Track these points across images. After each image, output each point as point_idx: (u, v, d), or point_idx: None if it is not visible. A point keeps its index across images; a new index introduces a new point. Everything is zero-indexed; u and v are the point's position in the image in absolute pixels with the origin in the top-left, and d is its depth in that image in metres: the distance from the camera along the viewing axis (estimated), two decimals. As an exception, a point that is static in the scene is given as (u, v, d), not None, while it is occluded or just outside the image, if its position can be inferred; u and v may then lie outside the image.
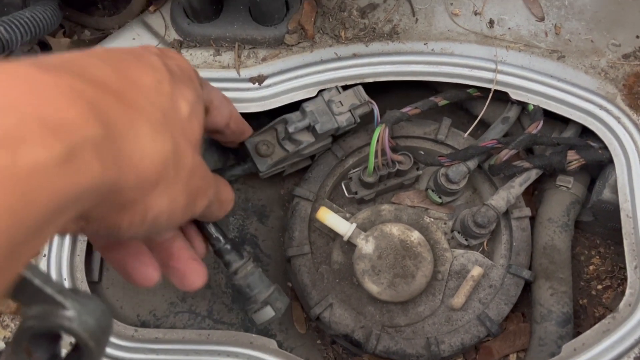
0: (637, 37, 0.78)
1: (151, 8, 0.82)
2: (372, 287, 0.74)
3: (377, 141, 0.73)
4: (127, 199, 0.34)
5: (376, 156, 0.74)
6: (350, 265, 0.78)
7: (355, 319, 0.76)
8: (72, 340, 0.33)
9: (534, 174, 0.77)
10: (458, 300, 0.77)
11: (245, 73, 0.77)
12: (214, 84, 0.76)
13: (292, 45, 0.78)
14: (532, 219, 0.82)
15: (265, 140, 0.71)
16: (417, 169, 0.80)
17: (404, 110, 0.76)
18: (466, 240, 0.80)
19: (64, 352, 0.34)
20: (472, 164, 0.77)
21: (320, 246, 0.81)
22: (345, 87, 0.74)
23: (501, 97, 0.78)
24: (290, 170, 0.79)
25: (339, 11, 0.79)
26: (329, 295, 0.76)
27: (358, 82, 0.76)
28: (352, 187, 0.81)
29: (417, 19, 0.80)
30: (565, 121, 0.80)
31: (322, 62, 0.77)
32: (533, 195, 0.87)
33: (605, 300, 0.83)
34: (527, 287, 0.80)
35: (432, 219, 0.81)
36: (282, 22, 0.78)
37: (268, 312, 0.58)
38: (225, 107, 0.56)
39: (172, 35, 0.80)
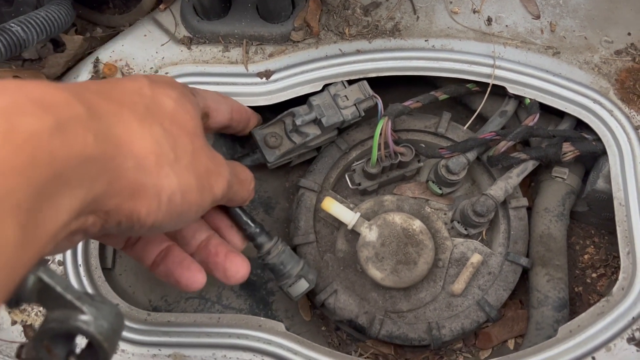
0: (629, 34, 0.82)
1: (161, 6, 0.85)
2: (376, 273, 0.77)
3: (380, 133, 0.76)
4: (134, 182, 0.36)
5: (379, 148, 0.77)
6: (354, 254, 0.81)
7: (359, 305, 0.79)
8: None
9: (530, 165, 0.80)
10: (458, 286, 0.80)
11: (253, 68, 0.80)
12: (223, 79, 0.80)
13: (298, 42, 0.81)
14: (529, 209, 0.85)
15: (274, 132, 0.74)
16: (419, 161, 0.83)
17: (406, 103, 0.79)
18: (465, 229, 0.83)
19: (78, 350, 0.38)
20: (471, 155, 0.80)
21: (325, 235, 0.84)
22: (350, 82, 0.77)
23: (499, 92, 0.82)
24: (297, 161, 0.82)
25: (343, 9, 0.82)
26: (334, 282, 0.79)
27: (362, 77, 0.79)
28: (355, 178, 0.84)
29: (418, 17, 0.83)
30: (560, 115, 0.84)
31: (327, 57, 0.81)
32: (529, 186, 0.90)
33: (600, 288, 0.87)
34: (525, 274, 0.83)
35: (432, 210, 0.84)
36: (289, 20, 0.81)
37: (303, 285, 0.63)
38: (224, 105, 0.58)
39: (182, 32, 0.83)
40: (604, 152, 0.78)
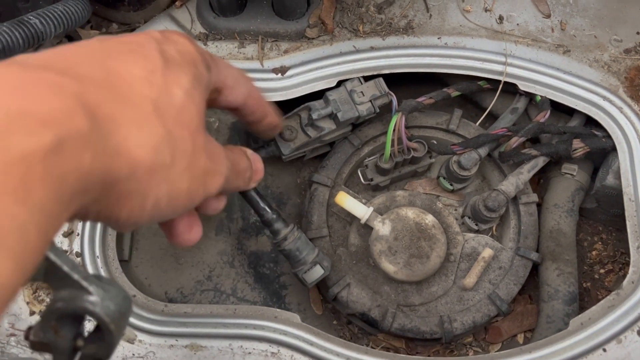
0: (638, 33, 0.83)
1: (177, 3, 0.86)
2: (389, 266, 0.78)
3: (394, 129, 0.78)
4: (124, 189, 0.35)
5: (392, 144, 0.78)
6: (367, 248, 0.82)
7: (372, 298, 0.80)
8: (95, 322, 0.36)
9: (541, 161, 0.82)
10: (470, 280, 0.81)
11: (268, 64, 0.81)
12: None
13: (313, 39, 0.83)
14: (539, 205, 0.86)
15: (289, 125, 0.75)
16: (430, 157, 0.84)
17: (419, 99, 0.80)
18: (476, 224, 0.84)
19: (86, 333, 0.38)
20: (483, 151, 0.81)
21: (338, 230, 0.85)
22: (366, 79, 0.79)
23: (509, 89, 0.83)
24: (311, 155, 0.83)
25: (357, 7, 0.84)
26: (347, 275, 0.80)
27: (375, 73, 0.81)
28: (368, 174, 0.85)
29: (430, 15, 0.84)
30: (569, 113, 0.85)
31: (341, 54, 0.82)
32: (538, 183, 0.92)
33: (608, 284, 0.88)
34: (534, 269, 0.84)
35: (443, 205, 0.85)
36: (303, 17, 0.82)
37: (318, 271, 0.64)
38: (242, 85, 0.53)
39: (198, 28, 0.84)
40: (613, 149, 0.79)
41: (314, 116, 0.75)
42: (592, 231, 0.91)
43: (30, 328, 0.36)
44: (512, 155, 0.81)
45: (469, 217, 0.84)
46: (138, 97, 0.37)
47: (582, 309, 0.84)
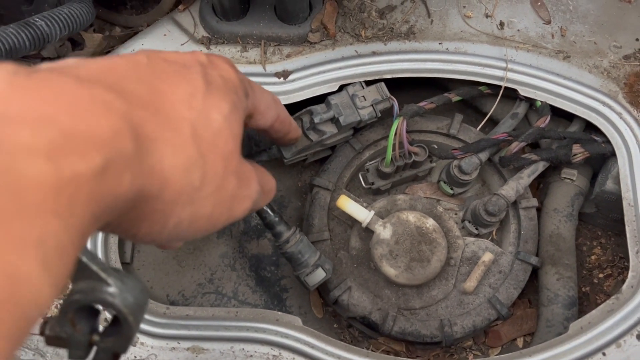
0: (637, 39, 0.84)
1: (181, 7, 0.87)
2: (390, 270, 0.79)
3: (396, 133, 0.78)
4: (149, 208, 0.35)
5: (394, 148, 0.79)
6: (368, 251, 0.82)
7: (373, 302, 0.80)
8: (109, 317, 0.35)
9: (541, 166, 0.82)
10: (470, 284, 0.81)
11: (271, 68, 0.82)
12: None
13: (315, 43, 0.83)
14: (538, 210, 0.87)
15: (292, 129, 0.76)
16: (431, 161, 0.85)
17: (421, 104, 0.81)
18: (476, 229, 0.85)
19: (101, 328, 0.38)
20: (483, 155, 0.82)
21: (339, 233, 0.86)
22: (368, 83, 0.79)
23: (510, 95, 0.84)
24: (312, 158, 0.84)
25: (359, 12, 0.84)
26: (348, 279, 0.81)
27: (377, 78, 0.81)
28: (369, 178, 0.85)
29: (432, 20, 0.85)
30: (568, 118, 0.86)
31: (343, 59, 0.82)
32: (538, 188, 0.92)
33: (607, 288, 0.88)
34: (534, 273, 0.84)
35: (444, 209, 0.86)
36: (306, 22, 0.83)
37: (320, 274, 0.64)
38: (272, 110, 0.55)
39: (201, 32, 0.85)
40: (612, 154, 0.80)
41: (316, 120, 0.75)
42: (592, 236, 0.91)
43: (45, 323, 0.36)
44: (512, 160, 0.82)
45: (469, 221, 0.85)
46: (178, 118, 0.37)
47: (581, 313, 0.84)
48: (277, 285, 0.86)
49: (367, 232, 0.83)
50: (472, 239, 0.84)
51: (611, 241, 0.91)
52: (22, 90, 0.27)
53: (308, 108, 0.76)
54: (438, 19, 0.85)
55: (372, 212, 0.80)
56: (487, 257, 0.82)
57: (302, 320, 0.83)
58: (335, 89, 0.81)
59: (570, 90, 0.81)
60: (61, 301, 0.72)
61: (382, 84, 0.79)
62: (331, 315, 0.89)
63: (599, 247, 0.91)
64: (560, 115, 0.85)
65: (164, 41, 0.84)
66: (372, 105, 0.77)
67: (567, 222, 0.84)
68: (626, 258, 0.77)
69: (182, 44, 0.83)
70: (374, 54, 0.83)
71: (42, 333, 0.36)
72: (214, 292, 0.81)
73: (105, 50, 0.87)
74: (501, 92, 0.82)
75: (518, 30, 0.85)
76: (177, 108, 0.38)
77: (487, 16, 0.85)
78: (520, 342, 0.86)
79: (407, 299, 0.82)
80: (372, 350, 0.84)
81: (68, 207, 0.26)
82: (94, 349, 0.36)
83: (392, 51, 0.83)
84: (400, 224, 0.80)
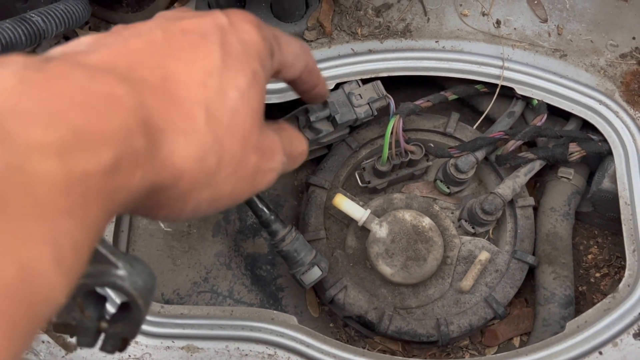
0: (634, 38, 0.84)
1: (177, 4, 0.86)
2: (386, 269, 0.78)
3: (392, 132, 0.78)
4: (164, 196, 0.35)
5: (390, 146, 0.79)
6: (364, 250, 0.82)
7: (369, 301, 0.80)
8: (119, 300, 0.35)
9: (537, 165, 0.82)
10: (467, 282, 0.81)
11: (267, 66, 0.81)
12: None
13: (311, 41, 0.83)
14: (535, 209, 0.86)
15: (288, 127, 0.75)
16: (427, 160, 0.85)
17: (417, 102, 0.81)
18: (473, 228, 0.84)
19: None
20: (480, 154, 0.82)
21: (335, 232, 0.85)
22: (364, 82, 0.79)
23: (506, 93, 0.84)
24: (308, 157, 0.83)
25: (355, 10, 0.84)
26: (344, 278, 0.80)
27: (373, 76, 0.81)
28: (365, 176, 0.85)
29: (428, 19, 0.85)
30: (566, 117, 0.86)
31: (339, 57, 0.82)
32: (535, 187, 0.92)
33: (603, 287, 0.88)
34: (531, 273, 0.84)
35: (440, 208, 0.85)
36: (302, 19, 0.83)
37: (316, 272, 0.64)
38: (300, 61, 0.51)
39: (197, 30, 0.84)
40: (609, 153, 0.79)
41: (312, 118, 0.75)
42: (588, 235, 0.91)
43: None
44: (508, 159, 0.81)
45: (466, 220, 0.84)
46: (192, 103, 0.36)
47: (577, 312, 0.84)
48: (272, 284, 0.85)
49: (363, 230, 0.82)
50: (468, 237, 0.84)
51: (608, 240, 0.91)
52: (33, 85, 0.27)
53: (304, 106, 0.76)
54: (434, 17, 0.85)
55: (368, 211, 0.80)
56: (484, 256, 0.82)
57: (298, 320, 0.83)
58: (332, 87, 0.80)
59: (566, 88, 0.81)
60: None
61: (379, 82, 0.78)
62: (327, 314, 0.88)
63: (596, 246, 0.91)
64: (557, 113, 0.85)
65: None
66: (368, 104, 0.77)
67: (563, 221, 0.84)
68: (623, 257, 0.77)
69: (177, 42, 0.83)
70: (370, 52, 0.82)
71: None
72: (209, 291, 0.81)
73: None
74: (497, 90, 0.81)
75: (515, 28, 0.85)
76: (191, 91, 0.37)
77: (483, 14, 0.85)
78: (516, 341, 0.86)
79: (403, 298, 0.82)
80: (368, 350, 0.84)
81: (81, 204, 0.26)
82: (102, 336, 0.36)
83: (389, 49, 0.83)
84: (397, 223, 0.80)
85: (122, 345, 0.36)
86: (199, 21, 0.41)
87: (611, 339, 0.70)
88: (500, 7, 0.86)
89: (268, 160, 0.43)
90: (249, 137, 0.40)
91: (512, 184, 0.81)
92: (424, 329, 0.79)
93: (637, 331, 0.70)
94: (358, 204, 0.82)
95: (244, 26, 0.43)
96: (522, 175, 0.81)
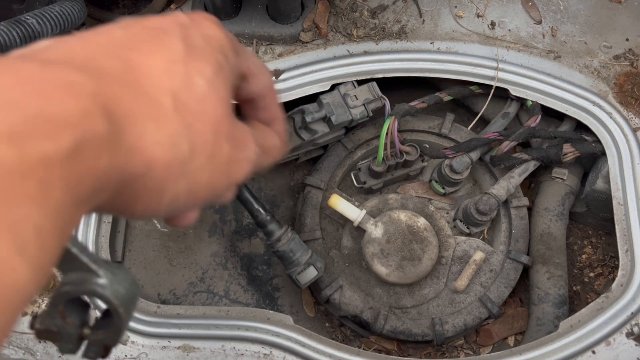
0: (627, 40, 0.85)
1: (173, 6, 0.87)
2: (381, 269, 0.79)
3: (387, 132, 0.78)
4: (139, 186, 0.34)
5: (385, 147, 0.79)
6: (359, 250, 0.82)
7: (364, 301, 0.80)
8: (100, 311, 0.35)
9: (532, 165, 0.82)
10: (461, 282, 0.82)
11: (263, 67, 0.82)
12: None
13: (307, 42, 0.83)
14: (529, 209, 0.87)
15: (283, 128, 0.76)
16: (423, 160, 0.85)
17: (412, 103, 0.81)
18: (468, 228, 0.85)
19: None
20: (474, 155, 0.82)
21: (331, 232, 0.86)
22: (359, 83, 0.79)
23: (501, 94, 0.84)
24: (304, 157, 0.84)
25: (350, 11, 0.85)
26: (339, 277, 0.81)
27: (369, 77, 0.81)
28: (361, 177, 0.86)
29: (423, 20, 0.85)
30: (559, 118, 0.86)
31: (335, 58, 0.82)
32: (529, 187, 0.93)
33: (597, 287, 0.89)
34: (525, 272, 0.85)
35: (435, 208, 0.86)
36: (298, 21, 0.83)
37: (311, 272, 0.65)
38: (264, 75, 0.49)
39: (193, 31, 0.84)
40: (603, 154, 0.80)
41: (308, 119, 0.75)
42: (582, 235, 0.92)
43: (35, 317, 0.35)
44: (503, 159, 0.82)
45: (461, 220, 0.85)
46: (157, 90, 0.36)
47: (571, 311, 0.84)
48: (268, 284, 0.86)
49: (359, 231, 0.83)
50: (463, 237, 0.85)
51: (602, 240, 0.91)
52: None
53: (300, 107, 0.76)
54: (430, 19, 0.86)
55: (364, 211, 0.80)
56: (479, 256, 0.82)
57: (294, 319, 0.83)
58: (327, 88, 0.81)
59: (560, 90, 0.82)
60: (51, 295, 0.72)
61: (374, 83, 0.79)
62: (323, 314, 0.89)
63: (590, 246, 0.91)
64: (551, 114, 0.86)
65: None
66: (363, 105, 0.78)
67: (557, 221, 0.84)
68: (616, 257, 0.78)
69: (174, 43, 0.83)
70: (365, 53, 0.83)
71: (32, 327, 0.36)
72: (205, 291, 0.81)
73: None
74: (492, 91, 0.82)
75: (509, 30, 0.85)
76: (155, 79, 0.36)
77: (478, 16, 0.86)
78: (511, 340, 0.86)
79: (398, 298, 0.82)
80: (363, 349, 0.84)
81: (41, 190, 0.26)
82: (85, 343, 0.36)
83: (384, 51, 0.83)
84: (392, 223, 0.80)
85: (104, 352, 0.37)
86: (160, 19, 0.41)
87: (604, 338, 0.71)
88: (495, 9, 0.86)
89: (242, 150, 0.42)
90: (220, 125, 0.40)
91: (507, 185, 0.81)
92: (419, 329, 0.80)
93: (630, 330, 0.71)
94: (354, 204, 0.82)
95: (205, 23, 0.43)
96: (517, 176, 0.82)
